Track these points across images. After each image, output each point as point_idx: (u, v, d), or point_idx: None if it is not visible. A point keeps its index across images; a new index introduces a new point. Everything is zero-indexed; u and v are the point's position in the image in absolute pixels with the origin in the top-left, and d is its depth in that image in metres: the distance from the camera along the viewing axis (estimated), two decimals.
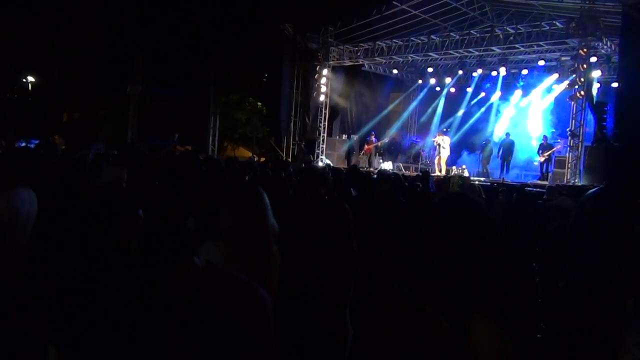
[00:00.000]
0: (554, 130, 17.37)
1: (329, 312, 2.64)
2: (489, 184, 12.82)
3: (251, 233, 2.18)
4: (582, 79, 14.02)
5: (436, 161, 17.68)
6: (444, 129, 18.97)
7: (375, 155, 19.59)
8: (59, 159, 6.71)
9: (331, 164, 17.94)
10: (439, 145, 17.46)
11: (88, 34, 20.81)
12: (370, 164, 19.02)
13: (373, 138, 19.46)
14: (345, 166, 17.47)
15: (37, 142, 25.39)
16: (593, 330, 2.39)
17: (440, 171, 17.07)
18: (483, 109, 20.04)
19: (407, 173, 17.39)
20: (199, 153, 17.90)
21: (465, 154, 19.50)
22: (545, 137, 16.36)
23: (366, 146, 19.48)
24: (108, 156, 5.16)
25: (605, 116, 13.06)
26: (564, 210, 4.23)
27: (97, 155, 6.24)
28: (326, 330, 2.63)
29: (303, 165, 13.57)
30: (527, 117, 18.82)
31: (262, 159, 23.40)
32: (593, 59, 14.06)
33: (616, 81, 13.76)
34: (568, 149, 14.65)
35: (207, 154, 17.68)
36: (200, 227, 2.64)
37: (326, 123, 19.98)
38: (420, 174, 11.35)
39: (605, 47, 14.52)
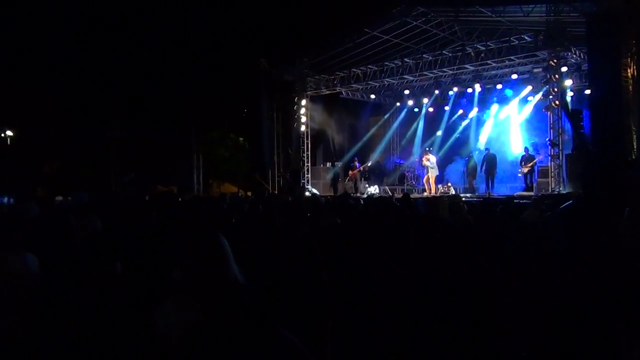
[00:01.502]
0: (534, 140, 17.56)
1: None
2: (476, 199, 12.87)
3: (211, 283, 2.12)
4: (556, 89, 14.28)
5: (425, 180, 17.76)
6: (427, 148, 19.10)
7: (361, 180, 19.65)
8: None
9: (318, 193, 17.95)
10: (426, 164, 17.55)
11: (62, 83, 20.81)
12: (356, 189, 19.05)
13: (356, 163, 19.53)
14: (332, 194, 17.48)
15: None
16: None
17: (430, 191, 17.14)
18: (463, 126, 20.26)
19: (395, 195, 17.47)
20: (185, 193, 17.85)
21: (449, 170, 19.61)
22: (526, 148, 16.53)
23: (350, 172, 19.53)
24: (76, 209, 5.07)
25: (581, 123, 13.26)
26: (528, 224, 4.26)
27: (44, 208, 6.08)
28: None
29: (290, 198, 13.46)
30: (506, 130, 19.05)
31: (249, 193, 23.37)
32: (564, 69, 14.35)
33: (588, 88, 14.03)
34: (549, 158, 14.82)
35: (193, 194, 17.62)
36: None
37: (309, 152, 20.06)
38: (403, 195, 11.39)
39: (574, 56, 14.84)
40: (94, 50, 20.25)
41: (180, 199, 10.41)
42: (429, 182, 17.43)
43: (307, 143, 19.99)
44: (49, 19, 19.74)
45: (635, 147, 11.37)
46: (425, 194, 16.50)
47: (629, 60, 11.33)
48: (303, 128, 19.84)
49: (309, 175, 20.01)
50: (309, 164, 20.10)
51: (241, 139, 25.44)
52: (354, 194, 17.83)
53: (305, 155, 19.92)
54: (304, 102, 19.74)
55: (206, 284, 2.11)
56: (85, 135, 22.91)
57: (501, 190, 16.98)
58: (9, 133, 23.23)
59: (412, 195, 12.62)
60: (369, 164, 20.18)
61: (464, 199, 11.73)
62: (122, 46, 20.46)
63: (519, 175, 16.53)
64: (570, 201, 2.94)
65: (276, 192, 19.32)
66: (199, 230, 2.43)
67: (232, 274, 2.24)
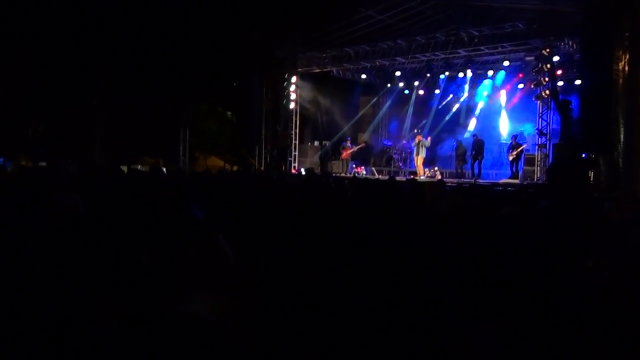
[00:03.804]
0: (522, 129, 17.63)
1: None
2: (459, 185, 12.90)
3: (222, 279, 2.09)
4: (547, 79, 14.27)
5: (416, 162, 17.69)
6: (417, 130, 18.97)
7: (350, 160, 19.61)
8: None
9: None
10: (420, 145, 17.36)
11: (49, 45, 20.33)
12: (345, 169, 19.03)
13: (349, 143, 19.41)
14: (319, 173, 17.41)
15: (1, 159, 24.67)
16: None
17: (419, 174, 17.13)
18: (453, 110, 20.24)
19: (380, 177, 17.48)
20: (169, 166, 17.62)
21: (437, 155, 19.65)
22: (514, 136, 16.59)
23: (343, 152, 19.40)
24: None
25: (570, 114, 13.30)
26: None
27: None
28: None
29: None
30: (495, 117, 19.10)
31: (235, 168, 23.23)
32: (556, 58, 14.33)
33: (578, 78, 14.03)
34: (536, 147, 14.89)
35: (177, 167, 17.49)
36: (157, 263, 2.47)
37: (297, 130, 19.94)
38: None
39: (566, 46, 14.81)
40: (82, 14, 19.78)
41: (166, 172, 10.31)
42: (420, 164, 17.45)
43: (296, 120, 19.86)
44: None
45: (622, 139, 11.42)
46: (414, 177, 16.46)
47: (621, 54, 11.30)
48: (292, 105, 19.69)
49: (296, 153, 19.92)
50: (297, 142, 19.99)
51: (229, 112, 25.20)
52: (339, 173, 17.83)
53: (293, 132, 19.81)
54: (294, 79, 19.54)
55: (214, 280, 2.08)
56: (71, 101, 22.53)
57: (488, 176, 17.12)
58: None
59: (398, 178, 12.68)
60: (363, 145, 20.07)
61: (448, 184, 11.79)
62: (111, 12, 19.99)
63: (510, 160, 16.54)
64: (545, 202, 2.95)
65: (262, 168, 19.25)
66: (199, 233, 2.36)
67: (235, 269, 2.20)
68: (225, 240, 2.41)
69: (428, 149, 17.88)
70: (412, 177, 15.70)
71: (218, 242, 2.15)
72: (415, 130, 18.98)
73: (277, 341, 2.19)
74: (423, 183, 11.15)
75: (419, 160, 17.49)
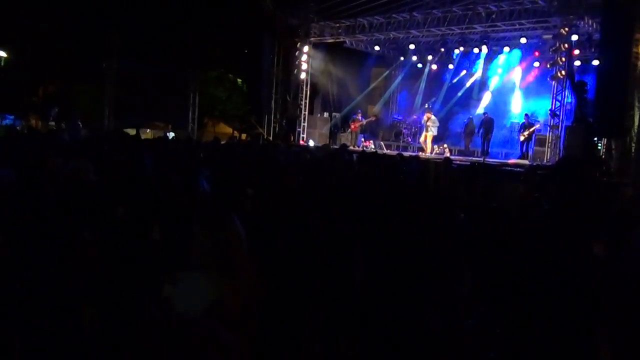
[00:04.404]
0: (535, 109, 17.37)
1: None
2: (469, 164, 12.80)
3: (230, 264, 2.06)
4: (564, 58, 13.98)
5: (422, 139, 17.51)
6: (427, 105, 18.75)
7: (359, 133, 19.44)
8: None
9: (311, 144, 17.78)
10: (429, 123, 17.18)
11: (61, 8, 20.16)
12: (355, 142, 18.88)
13: (359, 116, 19.16)
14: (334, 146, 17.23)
15: (11, 117, 24.69)
16: None
17: (426, 150, 16.97)
18: (466, 87, 19.94)
19: (387, 152, 17.37)
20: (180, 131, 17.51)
21: (448, 131, 19.44)
22: (526, 115, 16.36)
23: (352, 124, 19.18)
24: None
25: (585, 96, 13.08)
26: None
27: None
28: None
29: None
30: (509, 95, 18.82)
31: (244, 136, 23.16)
32: (574, 37, 14.01)
33: (596, 59, 13.75)
34: (548, 128, 14.68)
35: (186, 134, 17.45)
36: (167, 239, 2.45)
37: (307, 101, 19.75)
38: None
39: (586, 25, 14.45)
40: None
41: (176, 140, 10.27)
42: (426, 142, 17.25)
43: (306, 91, 19.65)
44: None
45: (636, 124, 11.24)
46: (422, 153, 16.36)
47: None
48: (303, 75, 19.44)
49: (305, 124, 19.76)
50: (306, 113, 19.82)
51: (239, 80, 25.02)
52: (348, 147, 17.67)
53: (302, 103, 19.63)
54: (306, 48, 19.25)
55: (221, 264, 2.05)
56: (82, 63, 22.44)
57: (497, 155, 16.96)
58: (3, 54, 22.65)
59: (405, 154, 12.59)
60: (373, 119, 19.82)
61: (456, 162, 11.69)
62: None
63: (520, 139, 16.34)
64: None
65: (271, 138, 19.16)
66: (213, 213, 2.32)
67: (245, 255, 2.17)
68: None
69: (439, 126, 17.67)
70: (418, 153, 15.59)
71: (232, 224, 2.11)
72: (426, 106, 18.74)
73: (278, 325, 2.19)
74: (428, 161, 11.09)
75: (428, 137, 17.24)
